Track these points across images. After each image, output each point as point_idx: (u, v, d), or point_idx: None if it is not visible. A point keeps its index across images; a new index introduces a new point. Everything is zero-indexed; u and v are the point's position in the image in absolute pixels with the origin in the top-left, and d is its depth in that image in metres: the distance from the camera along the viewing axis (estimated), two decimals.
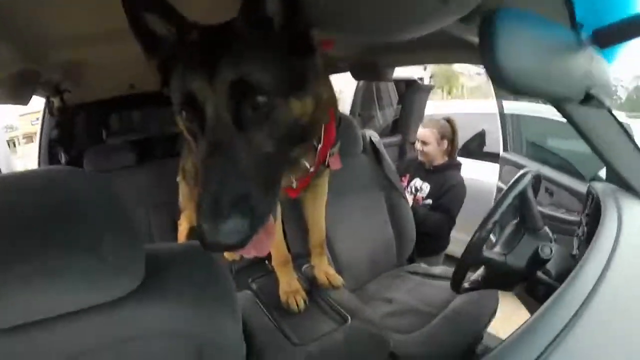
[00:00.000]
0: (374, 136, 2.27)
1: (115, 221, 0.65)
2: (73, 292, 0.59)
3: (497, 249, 1.25)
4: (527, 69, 0.63)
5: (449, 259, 2.76)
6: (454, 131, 2.53)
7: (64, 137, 2.73)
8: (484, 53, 0.60)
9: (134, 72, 1.94)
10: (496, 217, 1.20)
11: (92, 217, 0.62)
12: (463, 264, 1.27)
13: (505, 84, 0.60)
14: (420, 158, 2.61)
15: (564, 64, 0.74)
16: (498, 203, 1.22)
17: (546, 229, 1.25)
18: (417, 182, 2.60)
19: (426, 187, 2.54)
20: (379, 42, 1.53)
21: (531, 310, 1.50)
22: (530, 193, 1.25)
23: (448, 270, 2.04)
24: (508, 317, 2.13)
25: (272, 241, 0.73)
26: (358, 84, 3.37)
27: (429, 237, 2.38)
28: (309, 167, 1.04)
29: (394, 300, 1.83)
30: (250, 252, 0.71)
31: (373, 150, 2.22)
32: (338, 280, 1.48)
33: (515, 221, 1.28)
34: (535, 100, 3.13)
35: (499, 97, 3.03)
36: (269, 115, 0.68)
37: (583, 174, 2.63)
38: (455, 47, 1.29)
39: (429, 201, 2.50)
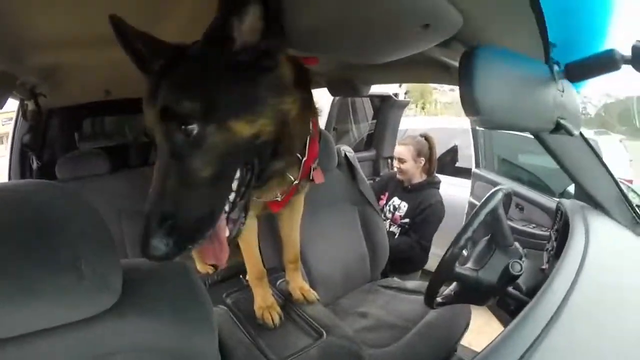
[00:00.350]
0: (349, 151, 2.28)
1: (94, 238, 0.64)
2: (50, 310, 0.59)
3: (469, 264, 1.27)
4: (502, 105, 0.66)
5: (425, 273, 2.79)
6: (431, 148, 2.54)
7: (36, 142, 2.64)
8: (462, 90, 0.63)
9: (110, 78, 1.92)
10: (468, 234, 1.22)
11: (71, 234, 0.61)
12: (436, 280, 1.29)
13: (482, 120, 0.63)
14: (398, 176, 2.62)
15: (537, 99, 0.78)
16: (470, 221, 1.25)
17: (516, 245, 1.28)
18: (395, 200, 2.60)
19: (404, 206, 2.53)
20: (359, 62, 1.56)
21: (504, 323, 1.53)
22: (501, 210, 1.28)
23: (421, 284, 2.06)
24: (480, 329, 2.17)
25: (226, 253, 0.78)
26: (334, 99, 3.38)
27: (404, 260, 2.40)
28: (293, 179, 1.04)
29: (368, 314, 1.84)
30: (210, 260, 0.79)
31: (347, 165, 2.23)
32: (312, 295, 1.48)
33: (486, 238, 1.31)
34: None
35: None
36: (200, 142, 0.70)
37: (552, 188, 2.72)
38: (431, 67, 1.32)
39: (407, 220, 2.50)
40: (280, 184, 1.05)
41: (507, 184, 1.62)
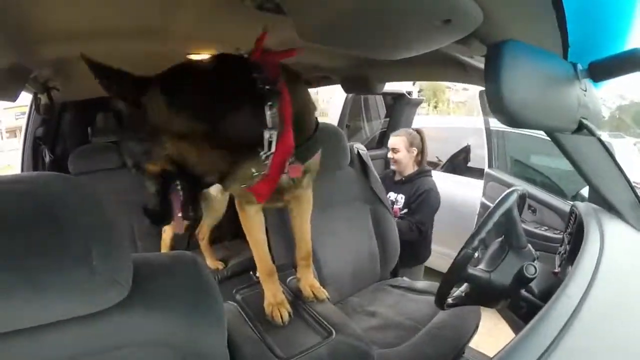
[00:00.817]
0: (362, 149, 2.27)
1: (105, 232, 0.64)
2: (61, 303, 0.59)
3: (482, 266, 1.26)
4: (528, 103, 0.65)
5: (430, 272, 2.78)
6: (422, 140, 2.67)
7: (49, 135, 2.67)
8: (488, 85, 0.62)
9: None
10: (482, 235, 1.21)
11: (82, 227, 0.61)
12: (448, 281, 1.27)
13: (506, 116, 0.62)
14: (392, 167, 2.74)
15: (562, 98, 0.77)
16: (484, 221, 1.23)
17: (529, 247, 1.27)
18: (391, 195, 2.68)
19: (401, 198, 2.63)
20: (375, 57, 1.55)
21: (512, 326, 1.52)
22: (515, 212, 1.26)
23: (431, 284, 2.05)
24: (489, 332, 2.15)
25: (180, 225, 1.10)
26: (347, 96, 3.37)
27: (406, 250, 2.39)
28: (254, 172, 1.08)
29: (377, 314, 1.84)
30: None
31: (360, 163, 2.22)
32: (323, 293, 1.48)
33: (499, 239, 1.29)
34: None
35: (485, 113, 3.08)
36: (141, 176, 1.07)
37: (565, 190, 2.70)
38: (446, 65, 1.31)
39: (405, 210, 2.58)
40: (239, 179, 1.11)
41: (519, 185, 1.61)
